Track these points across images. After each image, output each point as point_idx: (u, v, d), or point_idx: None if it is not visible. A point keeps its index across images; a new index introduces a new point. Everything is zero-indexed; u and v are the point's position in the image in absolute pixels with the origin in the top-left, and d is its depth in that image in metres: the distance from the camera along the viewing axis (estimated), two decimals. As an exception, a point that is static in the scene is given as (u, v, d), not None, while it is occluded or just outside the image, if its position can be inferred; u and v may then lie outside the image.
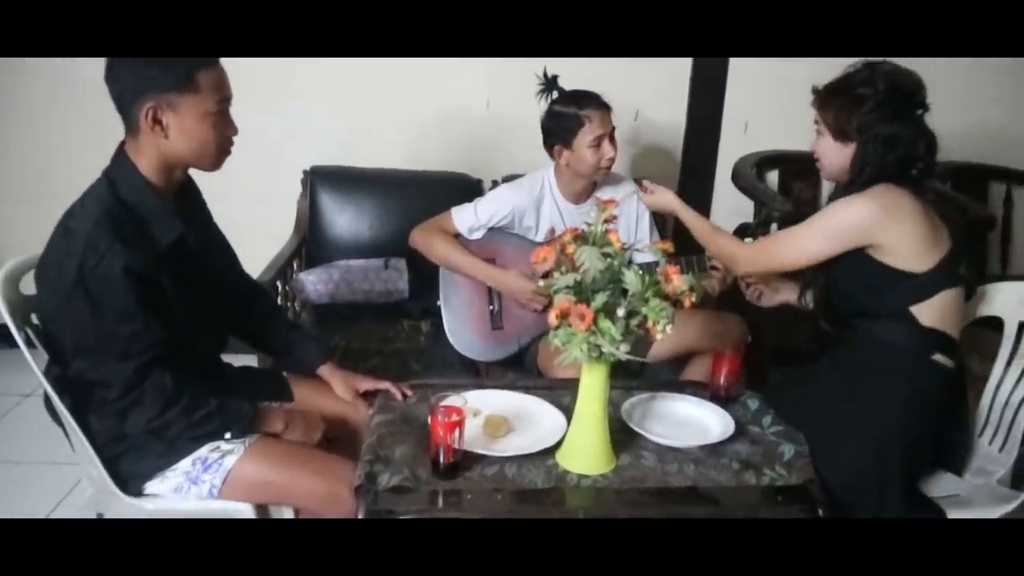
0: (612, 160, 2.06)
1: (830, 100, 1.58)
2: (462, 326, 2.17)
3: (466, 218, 2.15)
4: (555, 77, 2.09)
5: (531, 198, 2.15)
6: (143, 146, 1.38)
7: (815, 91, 1.62)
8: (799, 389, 1.71)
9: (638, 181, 1.72)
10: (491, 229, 2.16)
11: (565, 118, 2.03)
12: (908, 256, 1.51)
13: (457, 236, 2.17)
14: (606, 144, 2.02)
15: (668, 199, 1.92)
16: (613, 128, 2.05)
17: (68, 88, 2.64)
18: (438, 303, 2.21)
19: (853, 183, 1.57)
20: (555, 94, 2.09)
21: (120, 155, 1.40)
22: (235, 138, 1.46)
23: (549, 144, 2.09)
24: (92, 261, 1.29)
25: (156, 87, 1.33)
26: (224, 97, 1.40)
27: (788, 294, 1.85)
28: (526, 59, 2.59)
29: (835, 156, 1.60)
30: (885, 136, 1.52)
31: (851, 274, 1.57)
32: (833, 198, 1.64)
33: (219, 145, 1.42)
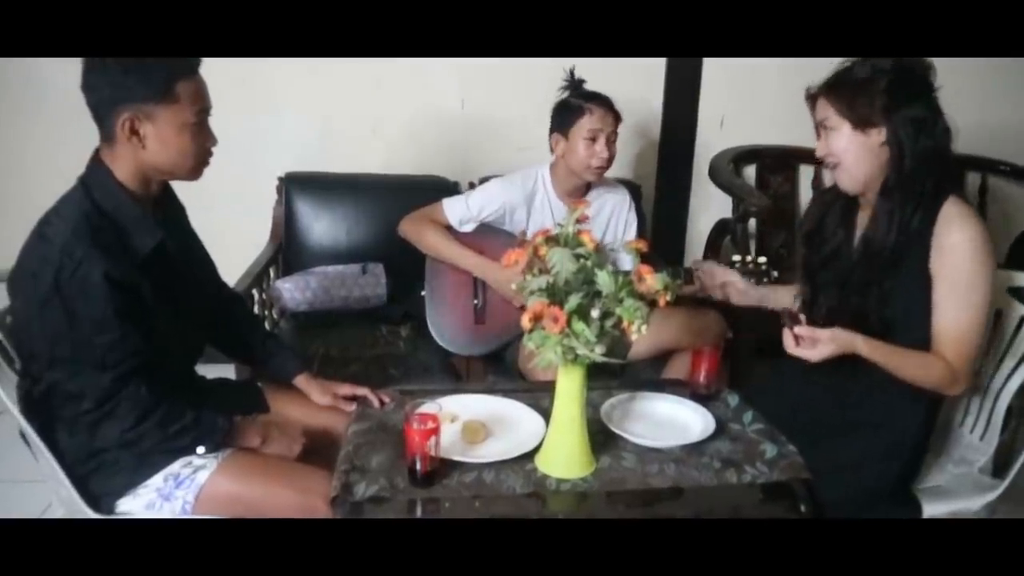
0: (604, 161, 2.05)
1: (841, 88, 1.44)
2: (444, 318, 2.17)
3: (457, 210, 2.14)
4: (581, 81, 2.10)
5: (523, 193, 2.13)
6: (119, 155, 1.36)
7: (816, 89, 1.48)
8: (784, 388, 1.68)
9: (790, 328, 1.40)
10: (481, 224, 2.15)
11: (568, 106, 2.06)
12: None
13: (448, 228, 2.16)
14: (601, 142, 2.03)
15: (844, 341, 1.40)
16: (615, 133, 2.06)
17: (34, 91, 2.60)
18: (422, 293, 2.20)
19: (897, 182, 1.43)
20: None
21: (96, 162, 1.38)
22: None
23: (550, 135, 2.11)
24: (69, 269, 1.27)
25: (133, 97, 1.31)
26: (203, 108, 1.39)
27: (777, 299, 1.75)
28: (500, 59, 2.60)
29: (859, 151, 1.44)
30: (913, 117, 1.40)
31: (914, 302, 1.45)
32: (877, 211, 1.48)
33: (198, 156, 1.40)
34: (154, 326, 1.38)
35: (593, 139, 2.02)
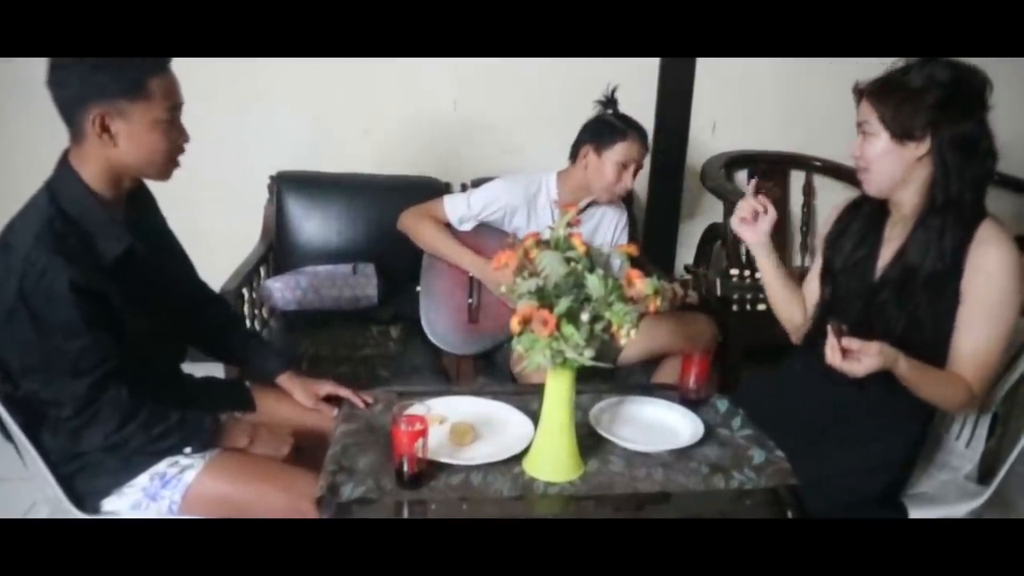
0: (625, 191, 2.08)
1: (888, 93, 1.38)
2: (438, 316, 2.17)
3: (458, 208, 2.15)
4: (616, 100, 2.11)
5: (525, 197, 2.13)
6: (88, 155, 1.33)
7: (862, 87, 1.43)
8: (775, 394, 1.69)
9: (840, 340, 1.31)
10: (480, 224, 2.15)
11: (611, 126, 2.06)
12: None
13: (447, 225, 2.16)
14: (630, 173, 2.06)
15: (890, 357, 1.33)
16: (640, 166, 2.09)
17: (20, 91, 2.56)
18: (417, 289, 2.20)
19: (944, 205, 1.39)
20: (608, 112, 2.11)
21: (63, 165, 1.36)
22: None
23: (580, 143, 2.10)
24: (33, 278, 1.25)
25: (105, 94, 1.29)
26: (175, 104, 1.37)
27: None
28: (493, 60, 2.60)
29: (891, 161, 1.40)
30: (962, 136, 1.36)
31: (942, 322, 1.43)
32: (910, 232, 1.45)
33: (169, 154, 1.38)
34: (128, 329, 1.36)
35: (625, 166, 2.04)
